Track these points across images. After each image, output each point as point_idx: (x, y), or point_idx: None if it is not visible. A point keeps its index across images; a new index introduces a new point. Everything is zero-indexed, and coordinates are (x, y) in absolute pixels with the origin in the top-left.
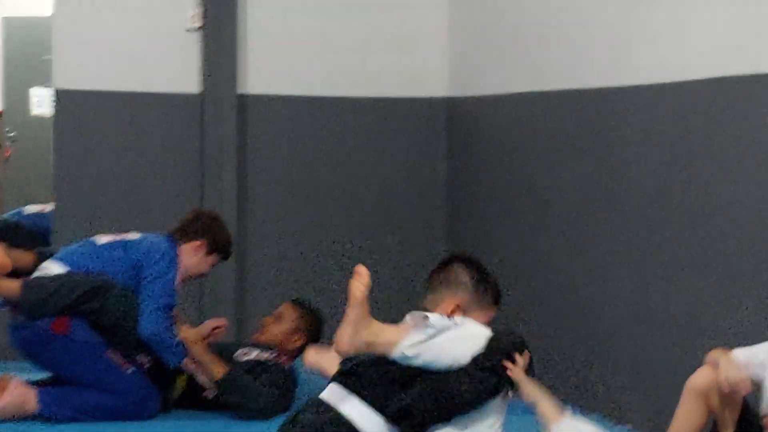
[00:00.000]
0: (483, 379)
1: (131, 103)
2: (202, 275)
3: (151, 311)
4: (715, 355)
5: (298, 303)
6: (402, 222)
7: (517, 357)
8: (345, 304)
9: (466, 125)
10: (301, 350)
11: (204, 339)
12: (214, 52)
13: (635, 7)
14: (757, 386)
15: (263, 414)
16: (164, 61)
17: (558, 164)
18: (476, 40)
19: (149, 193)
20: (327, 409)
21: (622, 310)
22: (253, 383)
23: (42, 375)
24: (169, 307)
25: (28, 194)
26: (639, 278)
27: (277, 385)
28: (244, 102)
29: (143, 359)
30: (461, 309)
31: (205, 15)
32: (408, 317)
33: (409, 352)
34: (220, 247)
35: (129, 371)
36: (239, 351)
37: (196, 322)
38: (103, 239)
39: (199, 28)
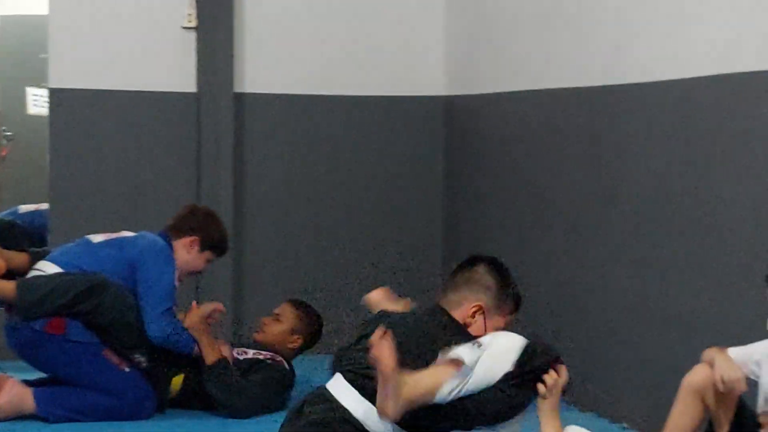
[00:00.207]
0: (514, 395)
1: (127, 102)
2: (197, 272)
3: (156, 317)
4: (711, 353)
5: (297, 303)
6: (400, 220)
7: (552, 377)
8: (342, 303)
9: (463, 123)
10: (299, 351)
11: (206, 319)
12: (210, 50)
13: (634, 5)
14: (752, 385)
15: (241, 412)
16: (160, 60)
17: (556, 162)
18: (474, 39)
19: (146, 192)
20: (337, 407)
21: (620, 308)
22: (240, 380)
23: (38, 375)
24: (171, 307)
25: (25, 193)
26: (637, 277)
27: (271, 384)
28: (241, 100)
29: (139, 358)
30: (483, 312)
31: (201, 13)
32: (440, 357)
33: (450, 398)
34: (214, 243)
35: (125, 371)
36: (236, 350)
37: None
38: (97, 238)
39: (196, 26)
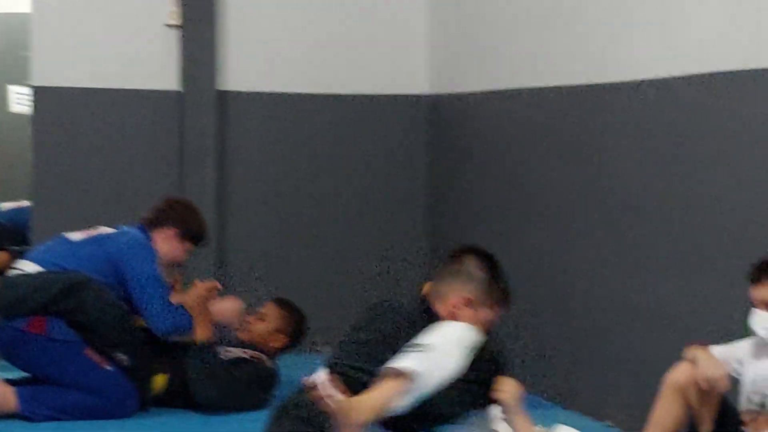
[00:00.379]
0: (467, 393)
1: (110, 100)
2: (178, 263)
3: (157, 312)
4: (694, 351)
5: (281, 303)
6: (383, 219)
7: (505, 382)
8: (327, 302)
9: (448, 122)
10: (283, 350)
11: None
12: (193, 48)
13: (620, 4)
14: (736, 383)
15: (214, 401)
16: (144, 58)
17: (541, 161)
18: (458, 37)
19: (129, 191)
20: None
21: (604, 306)
22: (221, 368)
23: (21, 374)
24: (167, 298)
25: (8, 191)
26: (621, 275)
27: (253, 382)
28: (224, 99)
29: (121, 357)
30: (470, 303)
31: (185, 11)
32: (387, 366)
33: (408, 406)
34: (193, 233)
35: (107, 370)
36: (221, 348)
37: None
38: (76, 236)
39: (179, 24)
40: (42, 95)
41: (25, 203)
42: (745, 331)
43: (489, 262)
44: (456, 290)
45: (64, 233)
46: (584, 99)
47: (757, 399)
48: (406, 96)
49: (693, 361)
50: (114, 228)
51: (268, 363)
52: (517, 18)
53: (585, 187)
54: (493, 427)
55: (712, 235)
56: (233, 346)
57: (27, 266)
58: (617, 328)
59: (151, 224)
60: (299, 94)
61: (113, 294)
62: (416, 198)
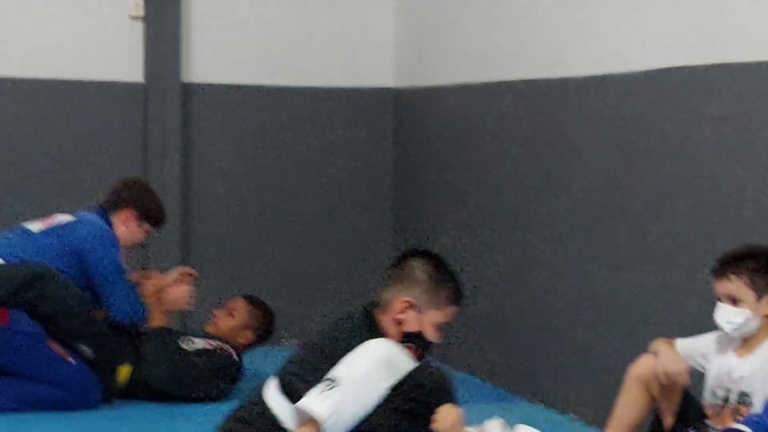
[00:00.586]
0: (401, 421)
1: (74, 92)
2: (137, 245)
3: (119, 303)
4: (657, 344)
5: (250, 299)
6: (349, 213)
7: (443, 411)
8: (291, 295)
9: (412, 115)
10: (250, 346)
11: (166, 288)
12: (158, 40)
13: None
14: (700, 377)
15: (158, 381)
16: (107, 49)
17: (506, 154)
18: (423, 31)
19: (91, 183)
20: (259, 401)
21: (567, 298)
22: (176, 357)
23: None
24: (128, 288)
25: None
26: (584, 268)
27: (212, 371)
28: (189, 91)
29: (84, 349)
30: (414, 307)
31: (149, 2)
32: (295, 412)
33: None
34: (150, 215)
35: (71, 362)
36: (184, 339)
37: None
38: (35, 226)
39: (143, 15)
40: (3, 86)
41: None
42: (709, 326)
43: (433, 262)
44: (398, 296)
45: (23, 224)
46: (549, 93)
47: (721, 393)
48: (372, 89)
49: (656, 354)
50: (72, 214)
51: (233, 355)
52: (483, 12)
53: (550, 180)
54: None
55: (676, 229)
56: (199, 338)
57: None
58: (581, 321)
59: (110, 207)
60: (264, 87)
61: (75, 286)
62: (382, 191)
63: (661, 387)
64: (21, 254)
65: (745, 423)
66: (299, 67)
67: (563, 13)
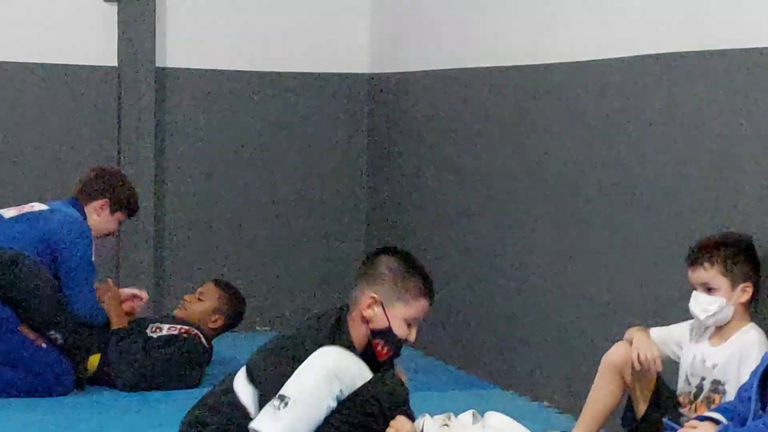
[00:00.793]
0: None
1: (47, 76)
2: (110, 234)
3: (83, 297)
4: (632, 332)
5: (220, 284)
6: (323, 198)
7: (397, 423)
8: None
9: (387, 101)
10: (220, 331)
11: (120, 300)
12: (132, 24)
13: None
14: (675, 365)
15: (131, 383)
16: (81, 33)
17: (480, 141)
18: (398, 16)
19: (65, 167)
20: (229, 389)
21: (541, 286)
22: (139, 357)
23: None
24: (92, 282)
25: None
26: (558, 256)
27: (178, 360)
28: (163, 75)
29: (55, 335)
30: (378, 303)
31: None
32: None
33: None
34: (124, 204)
35: (42, 347)
36: (152, 326)
37: None
38: (8, 213)
39: (117, 0)
40: None
41: None
42: (683, 314)
43: (399, 257)
44: (365, 293)
45: None
46: (524, 80)
47: (694, 381)
48: (346, 74)
49: (630, 342)
50: (46, 203)
51: (201, 339)
52: None
53: (523, 167)
54: None
55: (651, 217)
56: (167, 324)
57: None
58: (555, 310)
59: (83, 196)
60: (238, 72)
61: (47, 271)
62: (356, 176)
63: (635, 374)
64: None
65: (718, 411)
66: (273, 52)
67: (538, 1)
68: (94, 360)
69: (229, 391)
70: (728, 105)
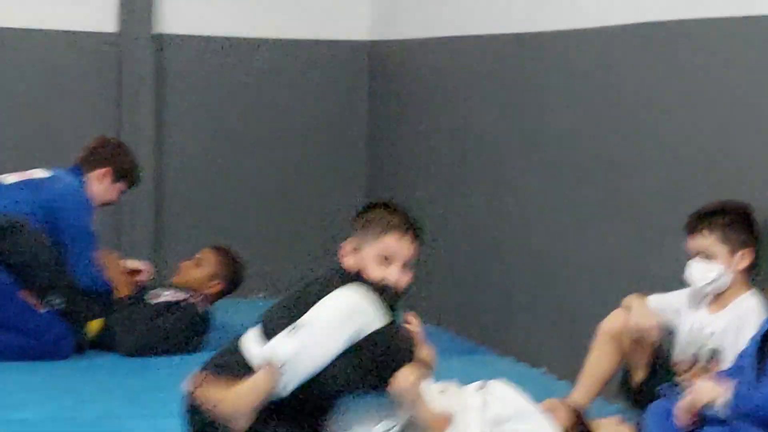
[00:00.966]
0: (355, 379)
1: (47, 42)
2: (111, 203)
3: (85, 266)
4: (630, 299)
5: (218, 249)
6: (322, 166)
7: (403, 373)
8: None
9: (387, 69)
10: (218, 296)
11: (123, 270)
12: None
13: None
14: (670, 332)
15: (126, 351)
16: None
17: (480, 108)
18: None
19: (65, 134)
20: (236, 349)
21: (539, 253)
22: (140, 326)
23: None
24: (93, 250)
25: None
26: (556, 222)
27: (178, 329)
28: (162, 41)
29: (56, 301)
30: (352, 251)
31: None
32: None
33: (289, 388)
34: (125, 173)
35: (42, 312)
36: (151, 293)
37: None
38: (10, 179)
39: None
40: None
41: None
42: (681, 282)
43: (369, 205)
44: (344, 244)
45: None
46: (524, 47)
47: (691, 349)
48: (347, 41)
49: (628, 309)
50: (49, 170)
51: (200, 305)
52: None
53: (523, 135)
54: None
55: (649, 184)
56: (167, 290)
57: None
58: (553, 276)
59: (85, 165)
60: (238, 38)
61: (48, 238)
62: (356, 143)
63: (633, 342)
64: None
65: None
66: (273, 18)
67: None
68: (94, 325)
69: (236, 351)
70: (728, 72)
